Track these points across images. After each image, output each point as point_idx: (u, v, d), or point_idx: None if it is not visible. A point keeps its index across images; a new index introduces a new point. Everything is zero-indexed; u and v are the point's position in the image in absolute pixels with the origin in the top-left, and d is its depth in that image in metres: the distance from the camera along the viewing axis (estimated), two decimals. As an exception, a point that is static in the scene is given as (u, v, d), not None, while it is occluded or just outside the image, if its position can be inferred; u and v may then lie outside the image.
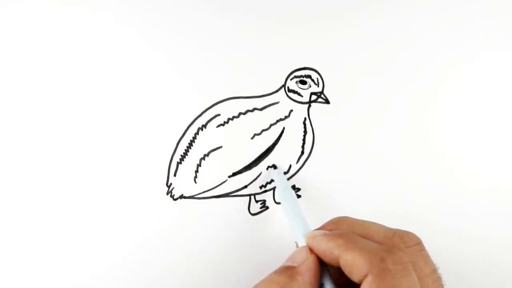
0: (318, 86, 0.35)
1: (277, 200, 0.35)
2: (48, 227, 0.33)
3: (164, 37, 0.34)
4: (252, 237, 0.35)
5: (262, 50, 0.35)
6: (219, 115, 0.34)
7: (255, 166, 0.35)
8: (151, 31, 0.34)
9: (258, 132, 0.35)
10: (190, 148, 0.34)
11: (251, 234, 0.35)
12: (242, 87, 0.35)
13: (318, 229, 0.27)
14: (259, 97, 0.35)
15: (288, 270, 0.25)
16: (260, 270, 0.34)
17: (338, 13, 0.36)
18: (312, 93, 0.35)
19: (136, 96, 0.34)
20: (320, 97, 0.35)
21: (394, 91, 0.36)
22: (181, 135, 0.34)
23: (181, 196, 0.34)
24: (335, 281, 0.25)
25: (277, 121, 0.35)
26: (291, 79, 0.35)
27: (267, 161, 0.35)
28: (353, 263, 0.22)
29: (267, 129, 0.35)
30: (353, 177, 0.36)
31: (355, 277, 0.23)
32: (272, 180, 0.35)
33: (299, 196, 0.35)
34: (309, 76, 0.35)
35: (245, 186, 0.35)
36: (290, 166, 0.35)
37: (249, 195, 0.35)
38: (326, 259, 0.24)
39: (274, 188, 0.35)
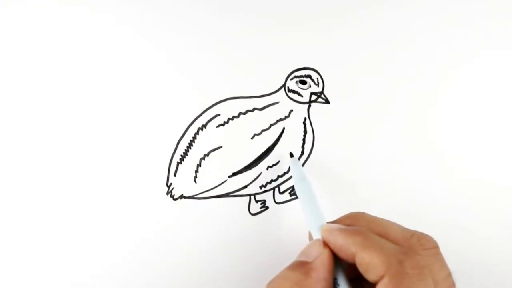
0: (318, 86, 0.35)
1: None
2: (48, 227, 0.33)
3: (164, 37, 0.34)
4: (252, 237, 0.35)
5: (262, 50, 0.35)
6: (219, 115, 0.34)
7: (255, 166, 0.35)
8: (151, 31, 0.34)
9: (258, 132, 0.35)
10: (190, 148, 0.34)
11: (251, 234, 0.35)
12: (242, 87, 0.35)
13: (334, 222, 0.27)
14: (259, 97, 0.35)
15: (302, 266, 0.24)
16: (260, 270, 0.34)
17: (338, 13, 0.36)
18: (312, 93, 0.35)
19: (136, 96, 0.34)
20: (320, 97, 0.35)
21: (394, 91, 0.36)
22: (181, 135, 0.34)
23: (181, 196, 0.34)
24: (347, 275, 0.25)
25: (277, 121, 0.35)
26: (291, 79, 0.35)
27: (267, 161, 0.35)
28: (370, 262, 0.22)
29: (267, 129, 0.35)
30: (353, 177, 0.36)
31: (370, 277, 0.23)
32: (272, 180, 0.35)
33: (299, 196, 0.35)
34: (309, 76, 0.35)
35: (245, 186, 0.35)
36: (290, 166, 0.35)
37: (249, 195, 0.35)
38: (340, 254, 0.24)
39: (274, 188, 0.35)
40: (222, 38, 0.35)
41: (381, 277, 0.22)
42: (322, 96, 0.35)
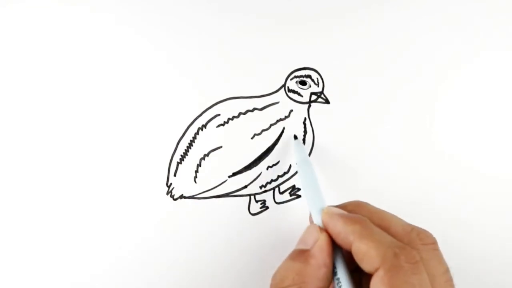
0: (318, 86, 0.35)
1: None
2: (48, 227, 0.33)
3: (164, 37, 0.34)
4: (252, 237, 0.35)
5: (262, 50, 0.35)
6: (219, 115, 0.34)
7: (255, 166, 0.35)
8: (151, 31, 0.34)
9: (258, 132, 0.35)
10: (190, 148, 0.34)
11: (251, 234, 0.35)
12: (242, 87, 0.35)
13: (337, 206, 0.27)
14: (259, 97, 0.35)
15: (301, 255, 0.25)
16: (260, 270, 0.34)
17: (338, 13, 0.36)
18: (312, 93, 0.35)
19: (136, 96, 0.34)
20: (320, 97, 0.35)
21: (394, 91, 0.36)
22: (181, 135, 0.34)
23: (181, 196, 0.34)
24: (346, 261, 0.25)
25: (277, 121, 0.35)
26: (291, 79, 0.35)
27: (267, 161, 0.35)
28: (365, 252, 0.22)
29: (267, 129, 0.35)
30: (353, 177, 0.36)
31: (365, 267, 0.23)
32: (272, 180, 0.35)
33: (299, 196, 0.35)
34: (309, 76, 0.35)
35: (245, 186, 0.35)
36: (290, 166, 0.35)
37: (249, 195, 0.35)
38: (338, 241, 0.24)
39: (274, 188, 0.35)
40: (222, 38, 0.35)
41: (376, 269, 0.22)
42: (322, 96, 0.35)
